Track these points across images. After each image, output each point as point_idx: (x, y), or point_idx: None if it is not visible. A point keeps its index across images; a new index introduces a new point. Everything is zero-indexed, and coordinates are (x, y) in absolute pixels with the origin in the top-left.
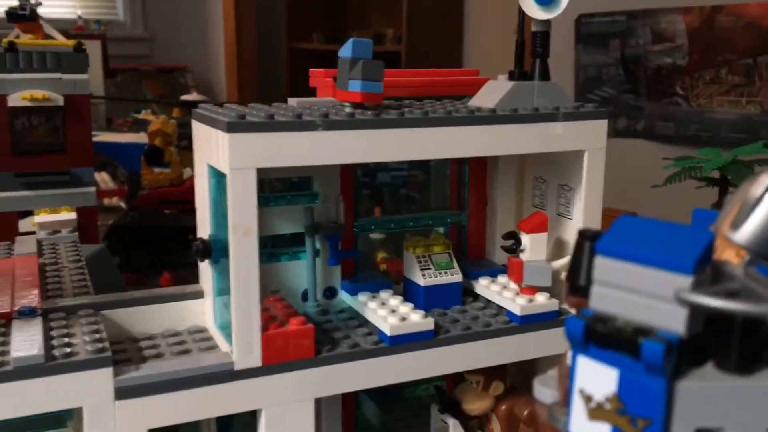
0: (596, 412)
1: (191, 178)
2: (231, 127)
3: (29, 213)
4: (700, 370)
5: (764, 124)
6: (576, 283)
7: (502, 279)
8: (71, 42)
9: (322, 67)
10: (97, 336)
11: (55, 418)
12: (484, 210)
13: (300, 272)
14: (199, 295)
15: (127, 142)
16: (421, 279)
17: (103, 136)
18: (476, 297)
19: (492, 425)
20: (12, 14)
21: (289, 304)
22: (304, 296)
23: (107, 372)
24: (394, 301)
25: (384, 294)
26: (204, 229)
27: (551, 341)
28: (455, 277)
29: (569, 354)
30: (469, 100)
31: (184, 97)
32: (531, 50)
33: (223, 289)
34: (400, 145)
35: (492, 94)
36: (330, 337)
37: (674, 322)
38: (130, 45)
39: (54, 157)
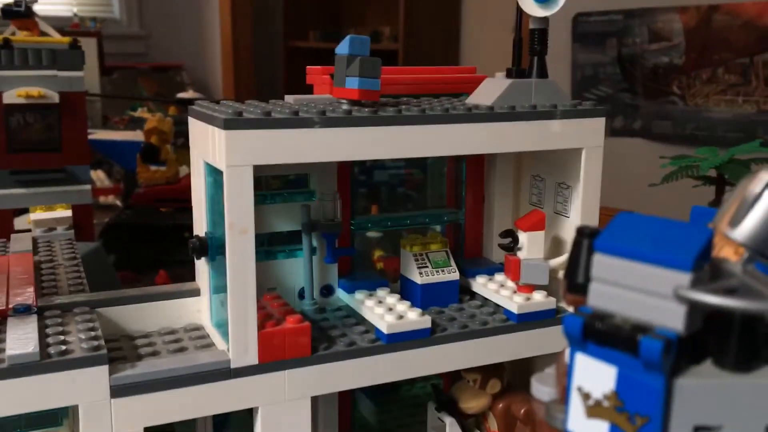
0: (594, 410)
1: (187, 176)
2: (228, 124)
3: (25, 211)
4: (699, 368)
5: (761, 123)
6: (574, 280)
7: (499, 277)
8: (67, 39)
9: (319, 66)
10: (93, 334)
11: (51, 417)
12: (482, 208)
13: (297, 270)
14: (195, 293)
15: (123, 140)
16: (418, 277)
17: (98, 134)
18: (473, 295)
19: (489, 423)
20: (7, 11)
21: (286, 302)
22: (301, 294)
23: (103, 370)
24: (391, 299)
25: (381, 292)
26: (200, 226)
27: (548, 339)
28: (452, 275)
29: (567, 352)
30: (467, 97)
31: (181, 95)
32: (529, 48)
33: (219, 287)
34: (398, 143)
35: (490, 91)
36: (327, 335)
37: (673, 319)
38: (126, 43)
39: (49, 154)
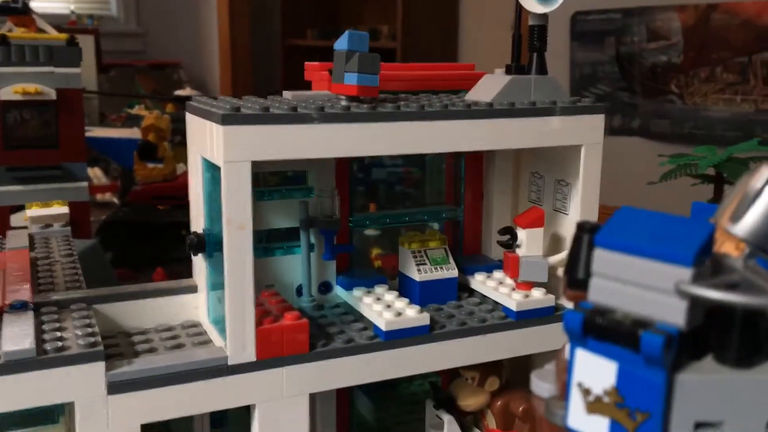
0: (595, 406)
1: (185, 174)
2: (226, 120)
3: (21, 208)
4: (700, 363)
5: (759, 122)
6: (574, 276)
7: (498, 274)
8: (64, 36)
9: (317, 62)
10: (89, 330)
11: (47, 414)
12: (480, 205)
13: (295, 267)
14: (192, 289)
15: (120, 137)
16: (417, 274)
17: (96, 131)
18: (472, 292)
19: (487, 421)
20: (4, 7)
21: (284, 299)
22: (299, 291)
23: (99, 366)
24: (390, 296)
25: (379, 289)
26: (198, 223)
27: (547, 337)
28: (451, 272)
29: (567, 348)
30: (466, 94)
31: (178, 93)
32: (528, 44)
33: (217, 284)
34: (396, 139)
35: (489, 88)
36: (325, 332)
37: (674, 314)
38: (123, 40)
39: (46, 151)
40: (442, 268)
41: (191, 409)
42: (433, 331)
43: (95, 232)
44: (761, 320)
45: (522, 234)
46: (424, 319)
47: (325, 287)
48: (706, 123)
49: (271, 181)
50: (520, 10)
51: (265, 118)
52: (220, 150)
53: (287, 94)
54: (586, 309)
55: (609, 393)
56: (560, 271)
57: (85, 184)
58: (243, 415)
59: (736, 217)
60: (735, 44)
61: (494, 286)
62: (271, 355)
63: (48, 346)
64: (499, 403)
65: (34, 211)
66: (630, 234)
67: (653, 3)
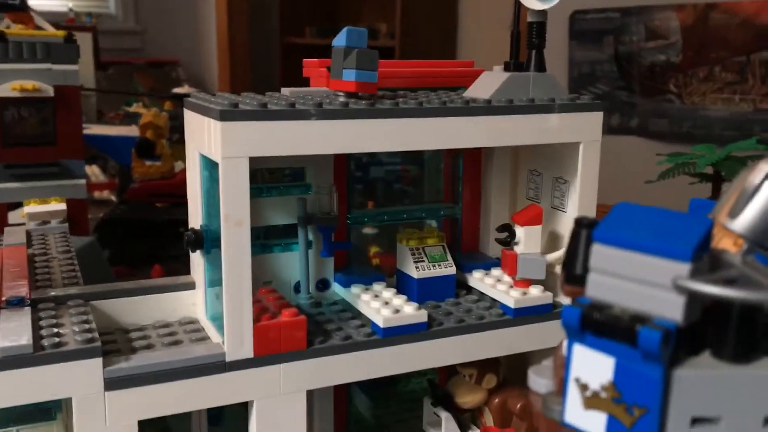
0: (592, 401)
1: (182, 172)
2: (224, 116)
3: (19, 205)
4: (697, 359)
5: (757, 122)
6: (572, 271)
7: (496, 272)
8: (61, 32)
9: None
10: (87, 326)
11: (45, 411)
12: (479, 203)
13: (292, 264)
14: (190, 286)
15: (118, 135)
16: (415, 271)
17: (93, 129)
18: (470, 290)
19: (485, 418)
20: (2, 4)
21: (282, 296)
22: (297, 288)
23: (97, 362)
24: (388, 293)
25: (377, 286)
26: (195, 219)
27: (545, 334)
28: (449, 269)
29: (564, 343)
30: (464, 91)
31: (176, 90)
32: (527, 41)
33: (214, 281)
34: (395, 136)
35: (487, 85)
36: (322, 329)
37: (672, 309)
38: (121, 38)
39: (44, 148)
40: (440, 265)
41: (189, 405)
42: (431, 328)
43: (93, 229)
44: (759, 316)
45: (520, 231)
46: (422, 316)
47: (323, 284)
48: (705, 122)
49: (270, 177)
50: (518, 7)
51: (263, 114)
52: (218, 146)
53: (285, 91)
54: (583, 304)
55: (606, 388)
56: (558, 269)
57: (82, 181)
58: (240, 412)
59: (735, 212)
60: (733, 44)
61: (492, 284)
62: (269, 351)
63: (45, 342)
64: (496, 400)
65: (31, 207)
66: (628, 229)
67: (652, 2)
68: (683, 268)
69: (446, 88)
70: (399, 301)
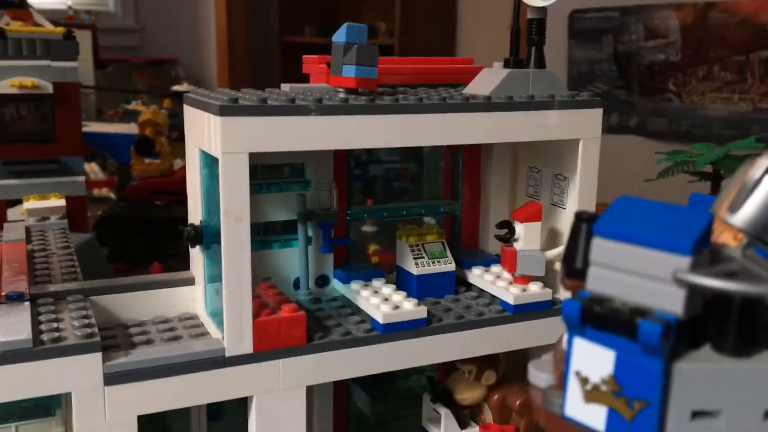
0: (592, 395)
1: (182, 169)
2: (223, 111)
3: (18, 201)
4: (697, 353)
5: (756, 121)
6: (573, 265)
7: (496, 268)
8: (61, 29)
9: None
10: (86, 321)
11: (44, 407)
12: (478, 200)
13: (292, 260)
14: (189, 281)
15: (117, 132)
16: (414, 268)
17: (92, 126)
18: (469, 286)
19: (484, 415)
20: (1, 1)
21: (281, 292)
22: (296, 284)
23: (96, 357)
24: (387, 289)
25: (376, 282)
26: (195, 215)
27: (544, 331)
28: (448, 266)
29: (564, 337)
30: (464, 88)
31: (175, 88)
32: (527, 38)
33: (214, 276)
34: (394, 132)
35: (487, 81)
36: (322, 325)
37: (672, 303)
38: (120, 36)
39: (43, 145)
40: (439, 261)
41: (188, 400)
42: (431, 325)
43: (92, 227)
44: (759, 309)
45: (519, 228)
46: (422, 312)
47: (323, 280)
48: (704, 121)
49: (269, 173)
50: (518, 4)
51: (262, 109)
52: (217, 141)
53: (285, 87)
54: (584, 298)
55: (607, 382)
56: (558, 265)
57: (81, 178)
58: (240, 408)
59: (735, 207)
60: (733, 43)
61: (492, 280)
62: (269, 347)
63: (45, 337)
64: (496, 396)
65: (31, 203)
66: (628, 223)
67: (651, 1)
68: (684, 261)
69: (446, 84)
70: (398, 297)
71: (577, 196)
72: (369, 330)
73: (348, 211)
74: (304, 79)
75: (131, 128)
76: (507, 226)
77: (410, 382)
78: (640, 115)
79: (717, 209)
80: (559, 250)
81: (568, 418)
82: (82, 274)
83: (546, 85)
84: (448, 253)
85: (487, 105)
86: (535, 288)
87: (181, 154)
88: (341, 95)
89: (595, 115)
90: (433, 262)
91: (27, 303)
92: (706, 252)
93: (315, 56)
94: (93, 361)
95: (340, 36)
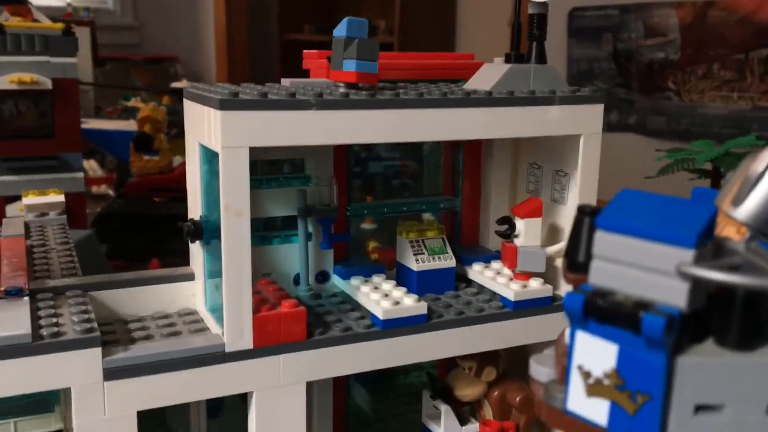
0: (595, 388)
1: (181, 166)
2: (224, 105)
3: (17, 198)
4: (701, 346)
5: (755, 120)
6: (575, 259)
7: (496, 265)
8: (60, 25)
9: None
10: (86, 316)
11: (42, 403)
12: (478, 196)
13: (292, 256)
14: (189, 277)
15: (116, 129)
16: (414, 264)
17: (91, 123)
18: (469, 283)
19: (484, 411)
20: None
21: (281, 287)
22: (296, 280)
23: (96, 352)
24: (387, 285)
25: (377, 278)
26: (195, 210)
27: (545, 327)
28: (448, 262)
29: (567, 332)
30: (465, 84)
31: (174, 85)
32: (528, 33)
33: (214, 272)
34: (395, 127)
35: (488, 76)
36: (322, 320)
37: (675, 296)
38: (119, 34)
39: (42, 141)
40: (439, 257)
41: (188, 396)
42: (431, 321)
43: (90, 224)
44: (763, 303)
45: (520, 224)
46: (422, 308)
47: (323, 276)
48: (703, 120)
49: (269, 169)
50: None
51: (263, 103)
52: (218, 136)
53: (285, 81)
54: (586, 291)
55: (609, 375)
56: (558, 262)
57: (80, 174)
58: (239, 405)
59: (738, 201)
60: (732, 41)
61: (492, 276)
62: (269, 342)
63: (44, 332)
64: (496, 393)
65: (29, 199)
66: (631, 216)
67: None
68: (687, 254)
69: (446, 80)
70: (399, 293)
71: (578, 192)
72: (369, 326)
73: (348, 206)
74: (304, 76)
75: (130, 125)
76: (507, 222)
77: (410, 379)
78: (640, 113)
79: (720, 203)
80: (560, 246)
81: (570, 413)
82: (81, 271)
83: (547, 81)
84: (449, 249)
85: (488, 100)
86: (535, 284)
87: (180, 151)
88: (342, 90)
89: (596, 110)
90: (434, 258)
91: (26, 298)
92: (709, 245)
93: (315, 51)
94: (92, 356)
95: (340, 30)
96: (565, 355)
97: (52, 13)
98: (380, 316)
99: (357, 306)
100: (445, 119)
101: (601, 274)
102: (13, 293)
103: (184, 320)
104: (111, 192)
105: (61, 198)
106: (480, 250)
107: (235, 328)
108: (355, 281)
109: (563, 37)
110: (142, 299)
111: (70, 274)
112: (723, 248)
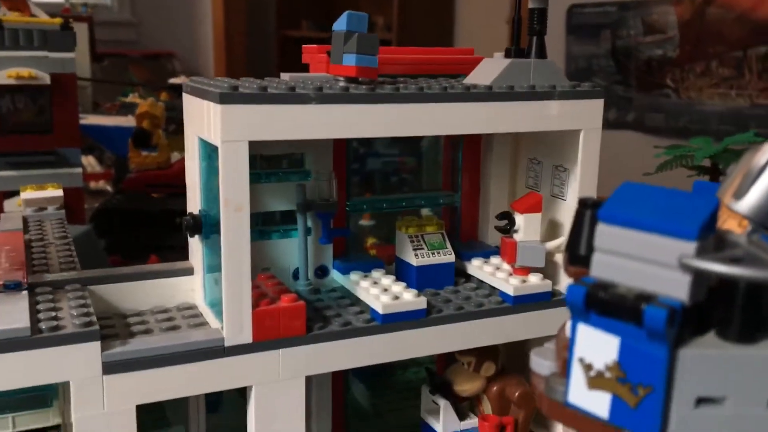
0: (596, 381)
1: (179, 162)
2: (223, 98)
3: (15, 193)
4: (702, 339)
5: (753, 117)
6: (576, 252)
7: (495, 260)
8: (58, 20)
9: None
10: (85, 310)
11: (40, 398)
12: (478, 191)
13: (291, 250)
14: (188, 272)
15: (114, 125)
16: (414, 259)
17: (89, 119)
18: (469, 278)
19: (483, 406)
20: None
21: (281, 282)
22: (295, 275)
23: (95, 346)
24: (387, 280)
25: (376, 273)
26: (194, 205)
27: (544, 322)
28: (448, 257)
29: (568, 325)
30: (464, 78)
31: (172, 81)
32: (528, 28)
33: (213, 266)
34: (395, 121)
35: (488, 71)
36: (321, 315)
37: (677, 288)
38: (117, 30)
39: (40, 136)
40: (439, 252)
41: (187, 390)
42: (430, 315)
43: (89, 219)
44: (765, 295)
45: (520, 219)
46: (421, 302)
47: (322, 271)
48: (701, 117)
49: (269, 163)
50: None
51: (262, 97)
52: (217, 129)
53: (285, 76)
54: (588, 283)
55: (611, 368)
56: (558, 257)
57: (79, 169)
58: (238, 399)
59: (739, 194)
60: (730, 38)
61: (491, 271)
62: (268, 337)
63: (43, 326)
64: (495, 388)
65: (28, 193)
66: (633, 208)
67: None
68: (689, 246)
69: (446, 75)
70: (398, 287)
71: (578, 188)
72: (369, 320)
73: (347, 201)
74: (302, 72)
75: (128, 121)
76: (507, 217)
77: (409, 374)
78: (638, 110)
79: (721, 196)
80: (560, 241)
81: (571, 405)
82: (80, 266)
83: (547, 75)
84: (448, 245)
85: (487, 95)
86: (534, 279)
87: (179, 147)
88: (341, 84)
89: (596, 105)
90: (433, 253)
91: (25, 292)
92: (711, 238)
93: (315, 45)
94: (91, 350)
95: (340, 24)
96: (566, 348)
97: (50, 8)
98: (380, 310)
99: (356, 301)
100: (445, 114)
101: (602, 267)
102: (12, 287)
103: (183, 315)
104: (109, 188)
105: (59, 192)
106: (479, 245)
107: (235, 323)
108: (354, 276)
109: (562, 34)
110: (141, 293)
111: (68, 268)
112: (725, 241)
